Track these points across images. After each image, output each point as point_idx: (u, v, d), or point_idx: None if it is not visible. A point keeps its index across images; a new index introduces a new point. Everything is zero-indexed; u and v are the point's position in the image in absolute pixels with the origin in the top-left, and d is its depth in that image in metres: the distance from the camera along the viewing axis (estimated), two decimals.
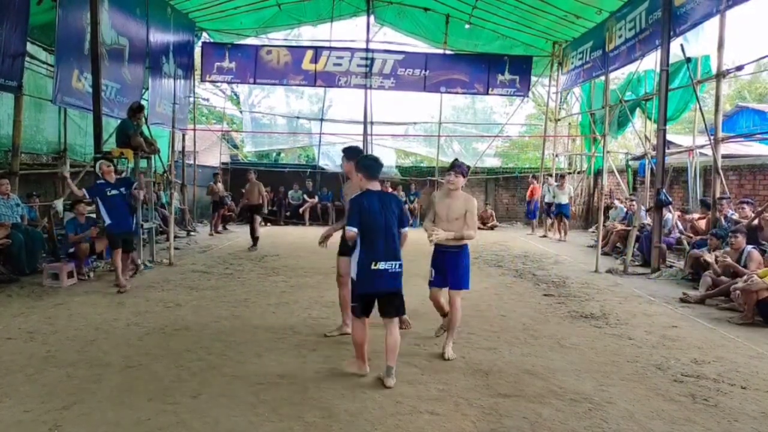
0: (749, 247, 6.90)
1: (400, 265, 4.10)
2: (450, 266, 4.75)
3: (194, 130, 15.98)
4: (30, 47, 9.32)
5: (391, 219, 4.09)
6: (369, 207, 4.03)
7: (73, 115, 11.48)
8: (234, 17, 16.08)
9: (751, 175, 10.29)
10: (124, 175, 8.97)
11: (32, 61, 9.92)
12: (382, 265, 4.00)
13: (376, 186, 4.18)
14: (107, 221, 7.33)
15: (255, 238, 11.16)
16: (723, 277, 6.97)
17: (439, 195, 4.87)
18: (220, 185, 14.29)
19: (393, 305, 4.12)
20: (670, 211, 9.97)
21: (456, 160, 4.86)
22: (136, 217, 8.15)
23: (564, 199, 13.79)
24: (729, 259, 6.85)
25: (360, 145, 17.68)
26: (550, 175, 16.33)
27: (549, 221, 14.92)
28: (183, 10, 14.39)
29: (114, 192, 7.32)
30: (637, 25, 11.54)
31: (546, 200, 15.00)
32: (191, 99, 16.11)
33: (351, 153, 4.97)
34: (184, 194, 14.93)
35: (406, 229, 4.23)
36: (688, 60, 9.71)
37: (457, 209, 4.67)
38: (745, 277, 6.24)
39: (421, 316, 5.85)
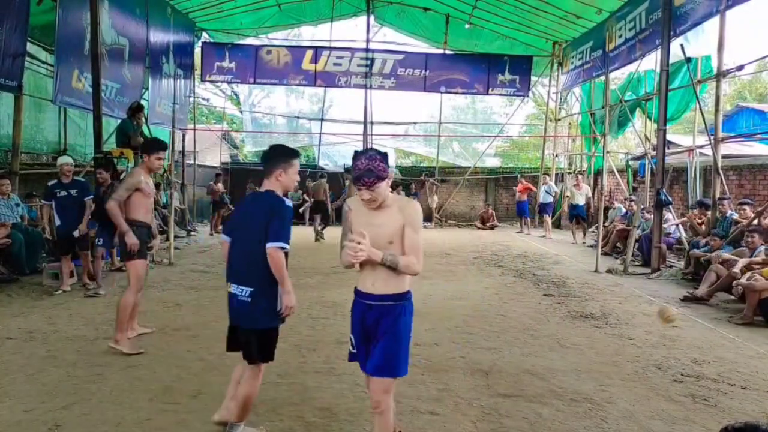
0: (763, 248, 6.90)
1: (251, 294, 2.98)
2: (377, 332, 2.73)
3: (194, 130, 15.99)
4: (30, 47, 9.34)
5: (252, 227, 3.01)
6: (237, 207, 3.30)
7: (73, 115, 11.50)
8: (234, 17, 16.12)
9: (751, 175, 10.28)
10: (123, 176, 8.93)
11: (32, 61, 9.94)
12: (232, 288, 3.04)
13: (265, 185, 3.17)
14: (57, 223, 7.03)
15: (322, 230, 12.91)
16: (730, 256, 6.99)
17: (356, 204, 2.80)
18: (220, 185, 14.31)
19: (245, 343, 3.08)
20: (670, 211, 9.96)
21: (362, 156, 2.64)
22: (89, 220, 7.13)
23: (581, 200, 13.40)
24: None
25: (360, 145, 17.72)
26: (548, 175, 16.31)
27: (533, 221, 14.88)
28: (183, 10, 14.41)
29: (64, 193, 6.95)
30: (637, 25, 11.55)
31: (541, 200, 14.95)
32: (191, 99, 16.13)
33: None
34: (184, 194, 14.93)
35: (272, 245, 2.98)
36: (689, 60, 9.72)
37: (389, 227, 2.69)
38: (748, 275, 6.22)
39: (421, 315, 5.84)
